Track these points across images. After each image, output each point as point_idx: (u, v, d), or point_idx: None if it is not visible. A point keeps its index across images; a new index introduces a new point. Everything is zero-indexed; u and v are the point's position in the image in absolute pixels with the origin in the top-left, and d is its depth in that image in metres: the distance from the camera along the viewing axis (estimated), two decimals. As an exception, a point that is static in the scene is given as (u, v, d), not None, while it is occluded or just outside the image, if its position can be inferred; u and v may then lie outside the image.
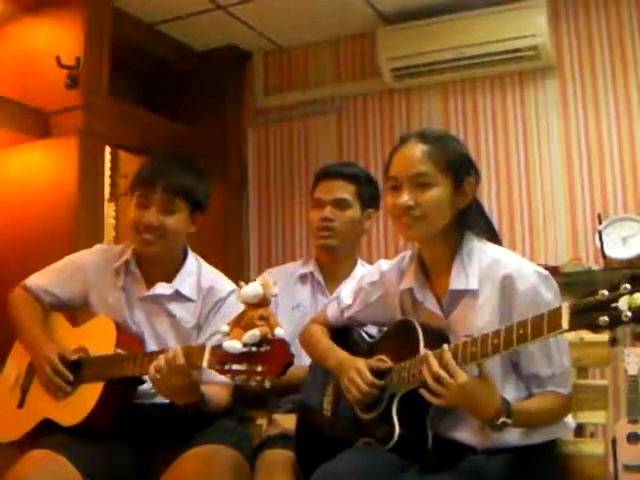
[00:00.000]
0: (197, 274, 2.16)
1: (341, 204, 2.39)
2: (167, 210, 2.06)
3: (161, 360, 1.78)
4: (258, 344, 1.66)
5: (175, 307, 2.11)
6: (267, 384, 1.65)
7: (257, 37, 4.21)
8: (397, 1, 3.79)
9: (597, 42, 3.68)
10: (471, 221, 1.78)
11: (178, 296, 2.12)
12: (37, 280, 2.22)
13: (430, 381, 1.54)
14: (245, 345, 1.65)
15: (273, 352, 1.65)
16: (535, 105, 3.79)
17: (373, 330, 2.04)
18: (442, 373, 1.52)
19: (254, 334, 1.66)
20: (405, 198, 1.70)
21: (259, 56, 4.44)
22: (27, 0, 3.47)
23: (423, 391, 1.57)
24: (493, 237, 1.81)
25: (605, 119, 3.63)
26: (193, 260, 2.20)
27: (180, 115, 4.17)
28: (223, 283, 2.16)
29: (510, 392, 1.64)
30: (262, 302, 1.77)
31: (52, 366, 2.00)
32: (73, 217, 3.19)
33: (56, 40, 3.39)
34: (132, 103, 3.92)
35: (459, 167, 1.74)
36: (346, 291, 2.01)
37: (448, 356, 1.54)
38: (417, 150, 1.73)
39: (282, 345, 1.67)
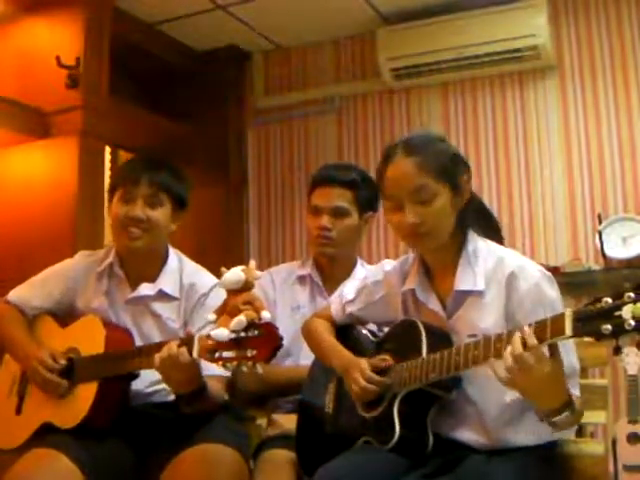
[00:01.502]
0: (179, 271, 2.15)
1: (339, 212, 2.32)
2: (152, 203, 2.07)
3: (165, 354, 1.78)
4: (246, 329, 1.66)
5: (160, 307, 2.10)
6: (259, 369, 1.66)
7: (257, 37, 4.21)
8: (397, 1, 3.79)
9: (597, 42, 3.68)
10: (470, 218, 1.77)
11: (162, 295, 2.11)
12: (19, 293, 2.20)
13: (511, 361, 1.45)
14: (233, 332, 1.65)
15: (262, 336, 1.66)
16: (535, 105, 3.78)
17: (374, 327, 2.03)
18: (526, 355, 1.44)
19: (240, 320, 1.66)
20: (410, 219, 1.68)
21: (259, 56, 4.43)
22: (27, 0, 3.47)
23: (496, 366, 1.48)
24: (495, 232, 1.81)
25: (605, 119, 3.63)
26: (175, 257, 2.18)
27: (180, 115, 4.17)
28: (205, 278, 2.15)
29: (513, 392, 1.60)
30: (245, 287, 1.77)
31: (44, 364, 1.99)
32: (73, 217, 3.18)
33: (56, 40, 3.38)
34: (132, 103, 3.91)
35: (452, 169, 1.72)
36: (349, 287, 2.00)
37: (534, 341, 1.45)
38: (408, 165, 1.70)
39: (270, 329, 1.67)
